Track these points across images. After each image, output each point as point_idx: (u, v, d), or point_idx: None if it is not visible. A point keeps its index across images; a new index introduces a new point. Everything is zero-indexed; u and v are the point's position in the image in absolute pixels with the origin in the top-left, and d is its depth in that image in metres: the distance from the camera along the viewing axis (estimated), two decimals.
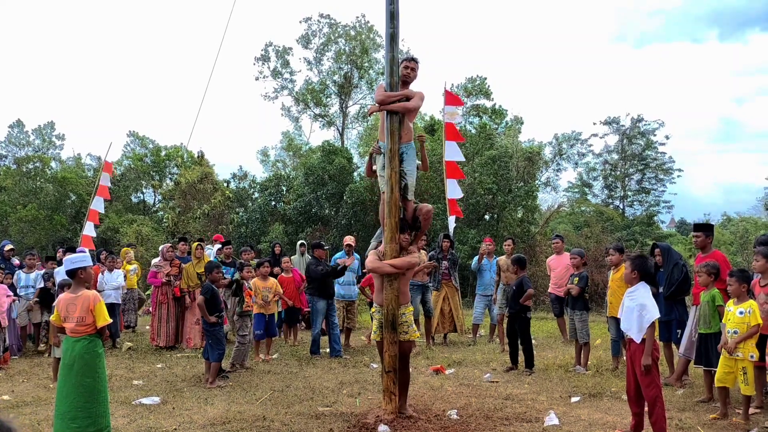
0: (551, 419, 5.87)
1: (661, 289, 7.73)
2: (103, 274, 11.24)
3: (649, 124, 38.93)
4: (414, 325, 6.04)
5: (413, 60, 6.19)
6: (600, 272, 17.59)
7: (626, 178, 39.96)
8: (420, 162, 6.48)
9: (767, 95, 74.18)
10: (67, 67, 70.09)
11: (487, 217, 23.05)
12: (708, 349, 6.64)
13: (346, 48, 36.57)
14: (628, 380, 5.57)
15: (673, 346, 7.96)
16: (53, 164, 39.99)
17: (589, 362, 8.66)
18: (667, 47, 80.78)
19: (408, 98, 5.97)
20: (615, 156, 40.14)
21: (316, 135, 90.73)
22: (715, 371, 6.51)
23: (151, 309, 11.33)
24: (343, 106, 38.18)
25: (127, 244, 19.21)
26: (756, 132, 74.40)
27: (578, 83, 72.28)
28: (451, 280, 11.31)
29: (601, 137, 39.96)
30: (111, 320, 5.50)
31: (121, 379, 8.14)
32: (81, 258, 5.45)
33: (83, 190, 32.56)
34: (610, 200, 39.98)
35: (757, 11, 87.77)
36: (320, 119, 38.98)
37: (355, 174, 25.73)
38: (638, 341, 5.41)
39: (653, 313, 5.40)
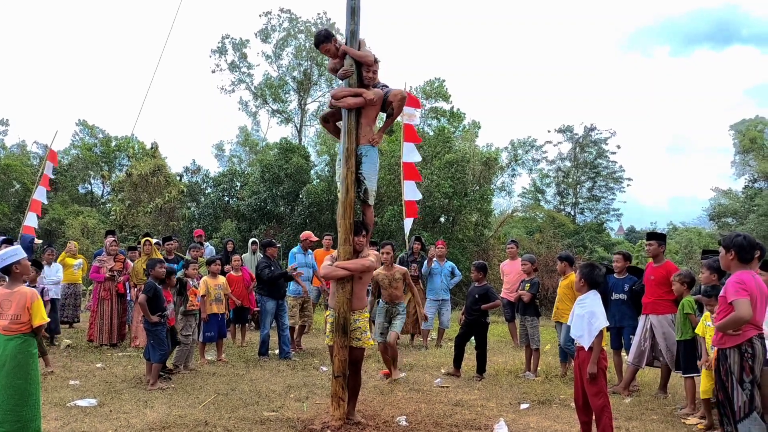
0: (500, 427, 5.83)
1: (619, 296, 7.82)
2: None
3: (601, 134, 39.86)
4: (368, 332, 5.88)
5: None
6: (551, 277, 17.83)
7: (578, 186, 40.80)
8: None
9: (713, 110, 76.90)
10: (13, 49, 67.33)
11: (442, 219, 23.11)
12: (679, 355, 6.74)
13: (307, 44, 36.23)
14: (576, 389, 5.57)
15: (623, 354, 8.05)
16: None
17: (538, 368, 8.70)
18: (622, 60, 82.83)
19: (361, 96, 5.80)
20: (568, 163, 40.93)
21: (274, 131, 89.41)
22: (687, 377, 6.57)
23: (91, 305, 10.88)
24: (302, 102, 37.83)
25: (73, 238, 18.50)
26: (701, 146, 77.06)
27: (536, 90, 73.50)
28: (419, 283, 11.24)
29: (555, 145, 40.70)
30: (49, 319, 5.21)
31: (56, 378, 7.76)
32: (12, 252, 5.13)
33: (27, 178, 31.27)
34: (562, 207, 40.73)
35: (706, 31, 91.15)
36: (278, 115, 38.52)
37: (312, 173, 25.48)
38: (587, 347, 5.42)
39: (602, 321, 5.43)
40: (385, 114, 6.15)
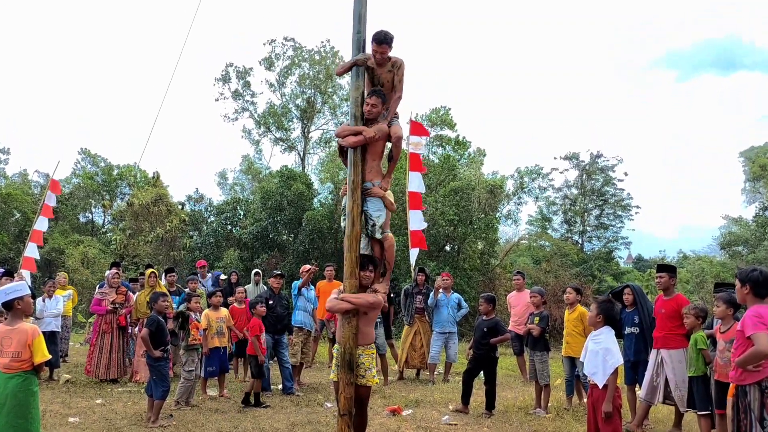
0: None
1: (632, 330, 7.63)
2: (43, 301, 10.62)
3: (608, 161, 39.71)
4: (374, 370, 5.68)
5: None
6: (558, 307, 17.58)
7: (585, 213, 40.49)
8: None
9: (722, 138, 76.88)
10: (14, 77, 67.66)
11: (447, 248, 22.95)
12: (692, 392, 6.58)
13: (310, 72, 36.45)
14: (589, 427, 5.43)
15: (637, 390, 7.82)
16: None
17: (549, 404, 8.45)
18: (628, 87, 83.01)
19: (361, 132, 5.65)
20: (575, 191, 40.69)
21: (277, 159, 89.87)
22: (702, 414, 6.40)
23: (91, 338, 10.70)
24: (305, 130, 37.91)
25: (73, 268, 18.31)
26: (710, 174, 76.75)
27: (541, 117, 73.68)
28: (425, 315, 11.02)
29: (561, 172, 40.46)
30: (50, 356, 5.08)
31: (55, 415, 7.56)
32: (17, 287, 5.03)
33: (28, 208, 31.23)
34: (569, 234, 40.41)
35: (712, 57, 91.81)
36: (281, 143, 38.58)
37: (315, 200, 25.41)
38: (601, 386, 5.27)
39: (617, 358, 5.30)
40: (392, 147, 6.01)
